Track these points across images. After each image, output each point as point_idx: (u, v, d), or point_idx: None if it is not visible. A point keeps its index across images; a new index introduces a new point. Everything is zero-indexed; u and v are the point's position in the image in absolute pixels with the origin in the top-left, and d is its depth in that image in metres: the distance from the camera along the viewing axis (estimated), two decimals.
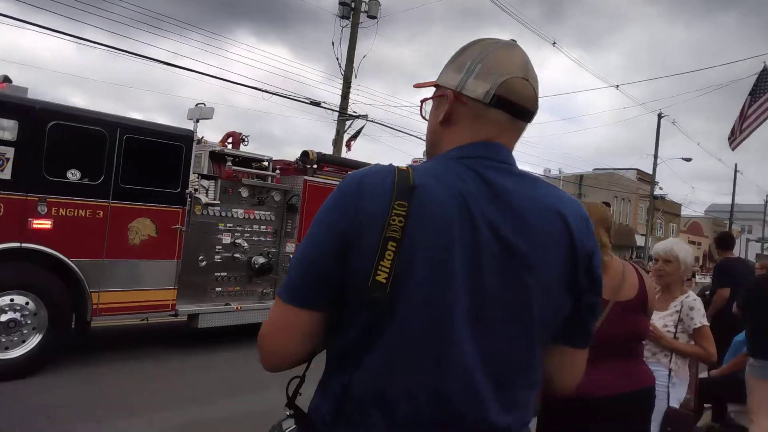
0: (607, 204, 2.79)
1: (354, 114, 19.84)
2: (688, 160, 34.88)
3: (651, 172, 36.82)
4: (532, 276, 1.07)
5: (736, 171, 46.02)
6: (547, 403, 2.40)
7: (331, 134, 18.71)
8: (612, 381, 2.29)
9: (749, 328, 4.30)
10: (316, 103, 18.58)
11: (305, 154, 8.04)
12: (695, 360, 3.41)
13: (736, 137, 11.54)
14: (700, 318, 3.24)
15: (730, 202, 48.46)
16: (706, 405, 5.12)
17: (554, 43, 21.76)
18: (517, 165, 1.18)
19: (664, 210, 45.33)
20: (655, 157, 34.93)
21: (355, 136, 20.14)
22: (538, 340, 1.11)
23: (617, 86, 27.65)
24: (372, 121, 20.26)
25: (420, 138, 21.66)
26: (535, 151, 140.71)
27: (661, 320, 3.30)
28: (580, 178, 42.07)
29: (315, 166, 8.09)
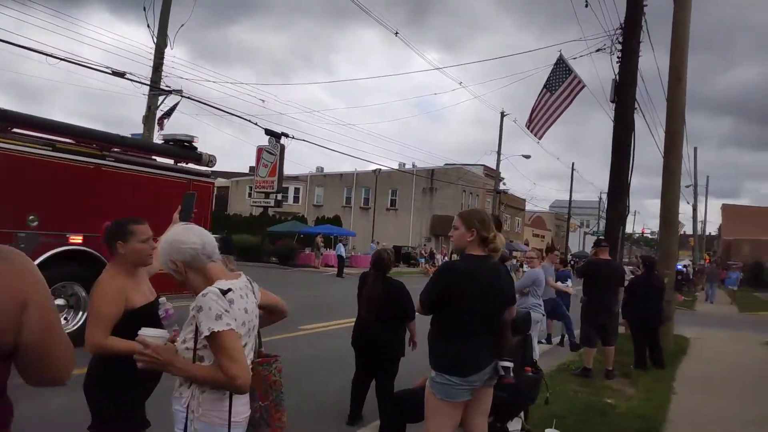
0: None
1: (167, 88, 17.72)
2: (528, 157, 37.07)
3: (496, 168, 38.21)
4: None
5: (573, 170, 49.49)
6: None
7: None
8: None
9: (433, 327, 3.33)
10: (120, 74, 16.25)
11: None
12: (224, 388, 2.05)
13: (538, 126, 11.37)
14: (210, 322, 1.97)
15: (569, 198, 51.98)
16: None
17: (396, 33, 21.09)
18: None
19: (509, 204, 47.55)
20: (498, 153, 36.39)
21: (168, 114, 18.12)
22: None
23: (460, 83, 27.92)
24: (188, 98, 18.33)
25: (245, 119, 19.99)
26: (393, 146, 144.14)
27: (182, 333, 2.16)
28: (431, 173, 42.74)
29: None
